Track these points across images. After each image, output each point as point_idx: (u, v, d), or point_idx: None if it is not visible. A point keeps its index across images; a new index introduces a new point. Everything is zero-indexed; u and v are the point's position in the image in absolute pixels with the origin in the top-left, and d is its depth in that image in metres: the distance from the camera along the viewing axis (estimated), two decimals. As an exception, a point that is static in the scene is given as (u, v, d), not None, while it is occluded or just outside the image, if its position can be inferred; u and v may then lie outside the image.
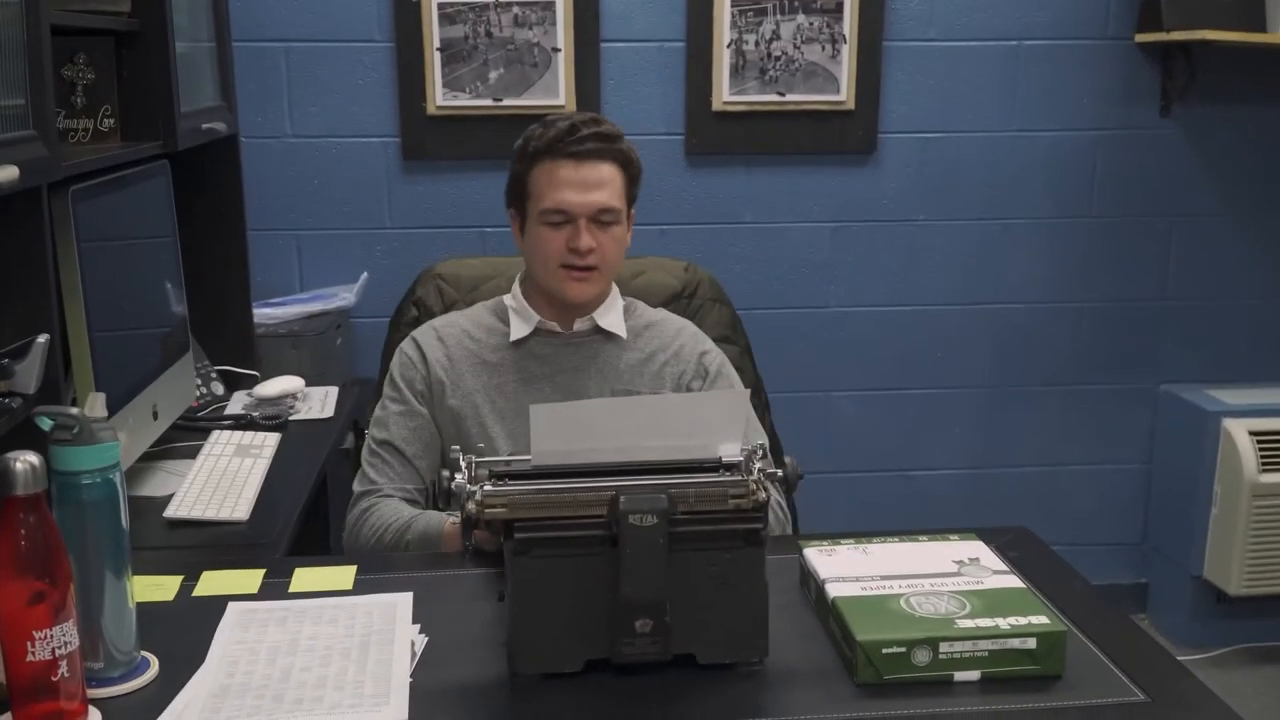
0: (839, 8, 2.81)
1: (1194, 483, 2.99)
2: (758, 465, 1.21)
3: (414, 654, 1.22)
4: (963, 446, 3.11)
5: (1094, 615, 1.31)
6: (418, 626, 1.28)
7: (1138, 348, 3.10)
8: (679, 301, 2.03)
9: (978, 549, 1.37)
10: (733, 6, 2.78)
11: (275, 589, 1.39)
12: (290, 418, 2.29)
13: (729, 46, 2.81)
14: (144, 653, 1.21)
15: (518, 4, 2.75)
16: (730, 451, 1.24)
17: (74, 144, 1.97)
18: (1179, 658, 1.28)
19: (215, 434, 2.10)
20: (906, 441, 3.09)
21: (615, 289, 1.84)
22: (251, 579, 1.41)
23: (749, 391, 1.40)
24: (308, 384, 2.41)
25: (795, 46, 2.82)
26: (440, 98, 2.77)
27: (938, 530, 1.43)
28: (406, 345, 1.81)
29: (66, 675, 1.06)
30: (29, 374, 1.48)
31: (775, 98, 2.84)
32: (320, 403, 2.39)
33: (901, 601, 1.22)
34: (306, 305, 2.67)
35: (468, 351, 1.78)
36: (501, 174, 1.82)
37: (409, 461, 1.74)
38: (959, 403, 3.08)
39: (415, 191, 2.85)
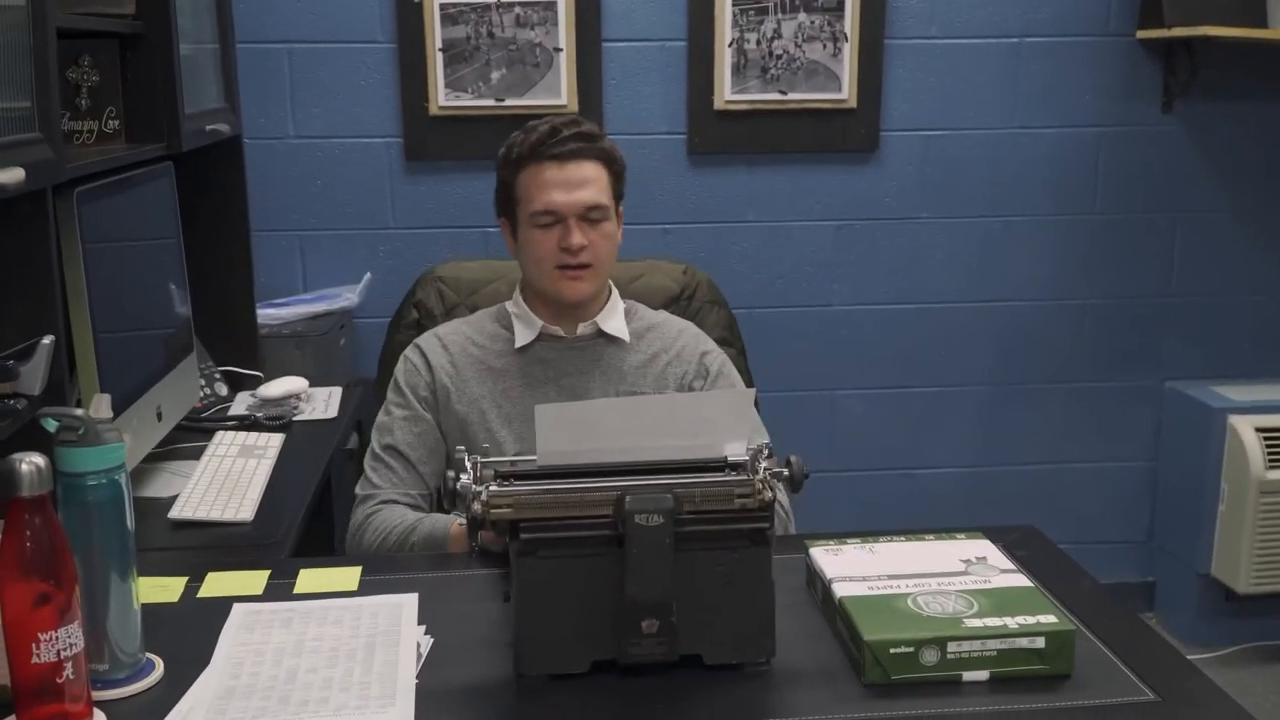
0: (840, 6, 2.80)
1: (1200, 480, 2.98)
2: (763, 465, 1.21)
3: (419, 655, 1.22)
4: (967, 445, 3.10)
5: (1103, 614, 1.31)
6: (423, 628, 1.27)
7: (1142, 344, 3.10)
8: (678, 304, 2.04)
9: (985, 548, 1.36)
10: (734, 5, 2.78)
11: (280, 590, 1.38)
12: (294, 418, 2.29)
13: (730, 45, 2.81)
14: (149, 654, 1.20)
15: (519, 4, 2.74)
16: (736, 451, 1.24)
17: (79, 146, 1.97)
18: (1187, 657, 1.28)
19: (219, 435, 2.10)
20: (910, 440, 3.08)
21: (616, 293, 1.85)
22: (256, 580, 1.41)
23: (754, 391, 1.40)
24: (311, 384, 2.41)
25: (797, 45, 2.82)
26: (442, 98, 2.77)
27: (944, 529, 1.43)
28: (410, 352, 1.81)
29: (71, 677, 1.05)
30: (34, 375, 1.48)
31: (777, 96, 2.84)
32: (324, 403, 2.39)
33: (909, 601, 1.22)
34: (310, 306, 2.67)
35: (472, 358, 1.79)
36: (504, 174, 1.82)
37: (413, 467, 1.74)
38: (963, 401, 3.08)
39: (418, 192, 2.85)
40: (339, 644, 1.24)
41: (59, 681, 1.05)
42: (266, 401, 2.32)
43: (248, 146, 2.60)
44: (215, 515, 1.79)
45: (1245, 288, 3.09)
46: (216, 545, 1.73)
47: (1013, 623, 1.17)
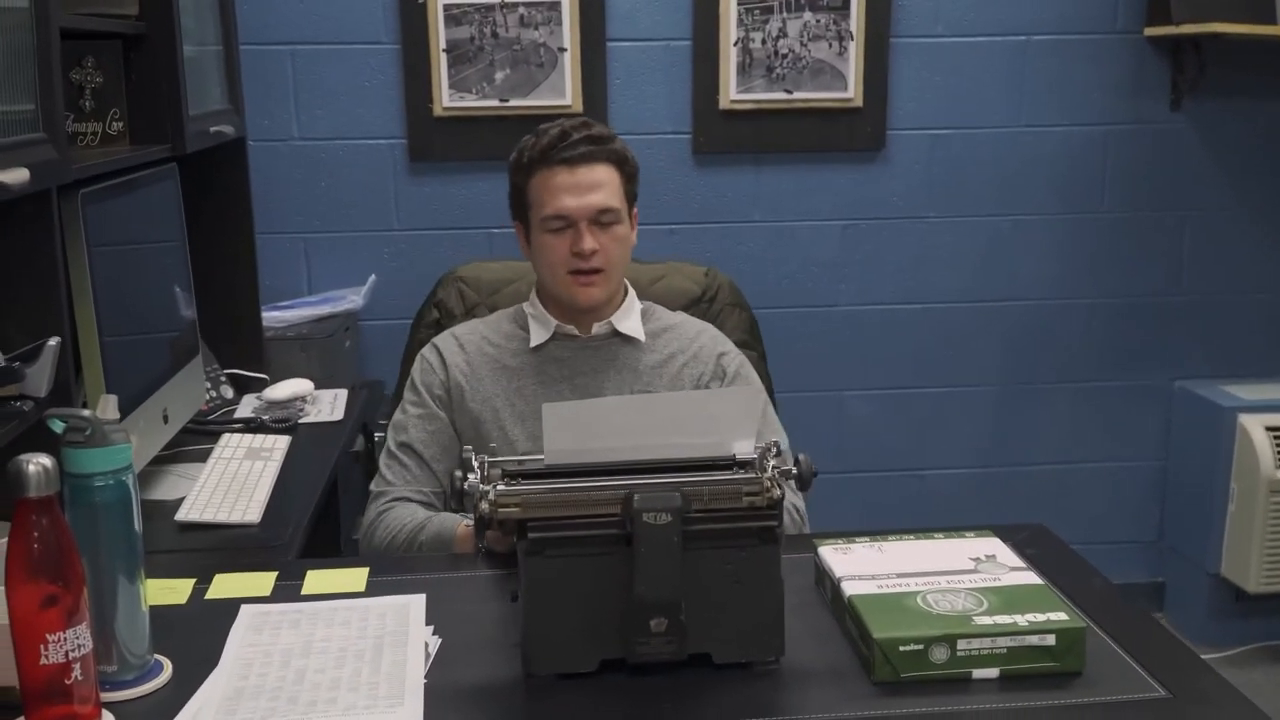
0: (845, 4, 2.80)
1: (1210, 479, 2.97)
2: (772, 463, 1.20)
3: (428, 655, 1.22)
4: (974, 445, 3.09)
5: (1113, 612, 1.30)
6: (431, 628, 1.27)
7: (1150, 343, 3.08)
8: (699, 306, 2.03)
9: (994, 546, 1.36)
10: (739, 4, 2.78)
11: (288, 591, 1.38)
12: (300, 420, 2.29)
13: (735, 45, 2.80)
14: (157, 656, 1.20)
15: (524, 4, 2.74)
16: (744, 449, 1.23)
17: (83, 147, 1.98)
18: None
19: (225, 437, 2.10)
20: (918, 440, 3.08)
21: (633, 293, 1.84)
22: (264, 581, 1.40)
23: (763, 388, 1.39)
24: (317, 386, 2.41)
25: (802, 44, 2.81)
26: (447, 99, 2.77)
27: (953, 528, 1.42)
28: (427, 351, 1.82)
29: (80, 678, 1.05)
30: (40, 377, 1.48)
31: (783, 96, 2.83)
32: (330, 405, 2.39)
33: (918, 599, 1.21)
34: (315, 308, 2.67)
35: (487, 357, 1.79)
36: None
37: (426, 464, 1.74)
38: (970, 401, 3.07)
39: (422, 193, 2.85)
40: (347, 644, 1.24)
41: (67, 683, 1.05)
42: (272, 404, 2.32)
43: (252, 148, 2.60)
44: (222, 517, 1.79)
45: (1255, 286, 3.07)
46: (224, 547, 1.73)
47: (1023, 620, 1.17)
